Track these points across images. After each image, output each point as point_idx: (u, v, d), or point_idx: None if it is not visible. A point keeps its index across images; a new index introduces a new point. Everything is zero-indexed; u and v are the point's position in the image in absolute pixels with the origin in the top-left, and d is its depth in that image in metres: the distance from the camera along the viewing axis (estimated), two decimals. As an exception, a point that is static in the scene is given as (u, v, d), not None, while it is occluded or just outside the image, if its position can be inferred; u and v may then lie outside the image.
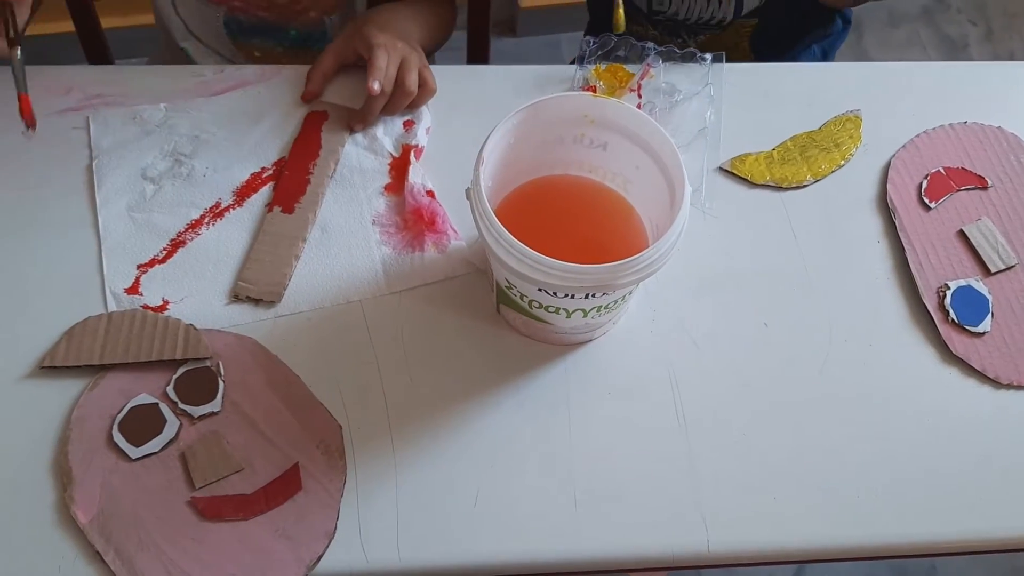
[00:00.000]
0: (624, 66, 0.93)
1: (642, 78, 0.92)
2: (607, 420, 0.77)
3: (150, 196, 0.85)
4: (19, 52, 0.78)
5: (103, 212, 0.84)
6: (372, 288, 0.82)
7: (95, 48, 1.21)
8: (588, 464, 0.75)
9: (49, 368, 0.75)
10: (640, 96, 0.92)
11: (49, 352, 0.76)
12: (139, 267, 0.81)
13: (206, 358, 0.76)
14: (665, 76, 0.94)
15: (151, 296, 0.80)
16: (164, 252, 0.82)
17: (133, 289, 0.80)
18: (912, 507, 0.75)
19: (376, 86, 0.86)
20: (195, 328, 0.78)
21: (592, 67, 0.93)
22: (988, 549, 0.76)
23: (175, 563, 0.68)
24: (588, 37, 0.94)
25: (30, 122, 0.79)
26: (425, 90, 0.90)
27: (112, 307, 0.79)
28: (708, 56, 0.94)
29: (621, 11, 0.88)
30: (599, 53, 0.94)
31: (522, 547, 0.71)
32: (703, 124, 0.92)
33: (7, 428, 0.73)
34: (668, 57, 0.94)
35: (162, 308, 0.79)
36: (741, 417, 0.78)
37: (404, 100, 0.89)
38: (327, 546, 0.70)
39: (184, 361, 0.76)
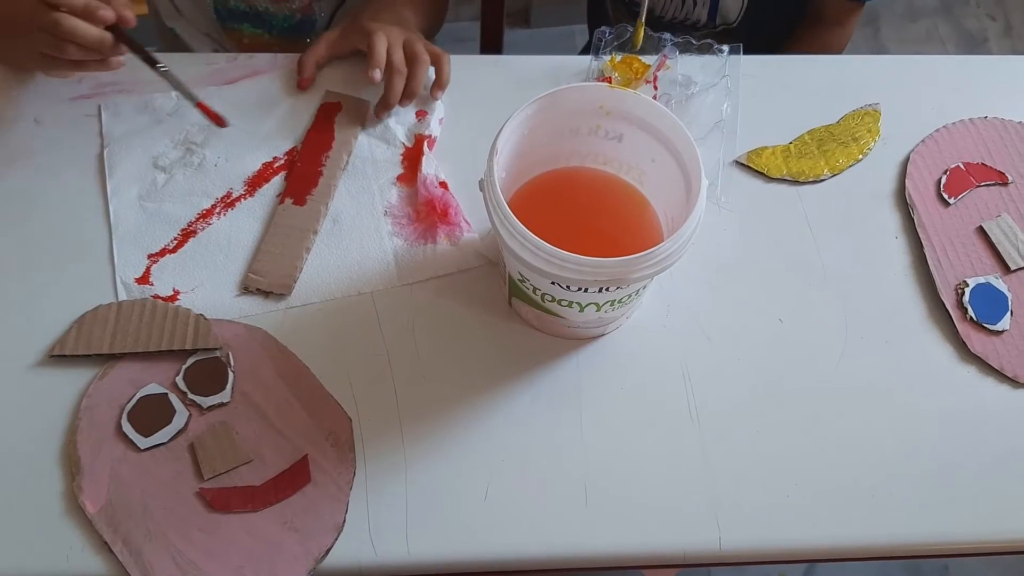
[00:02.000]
0: (640, 57, 0.92)
1: (658, 69, 0.90)
2: (619, 415, 0.76)
3: (161, 185, 0.85)
4: (164, 66, 0.82)
5: (114, 201, 0.84)
6: (383, 280, 0.81)
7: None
8: (599, 459, 0.74)
9: (58, 357, 0.75)
10: (656, 88, 0.90)
11: (59, 341, 0.76)
12: (150, 256, 0.81)
13: (216, 348, 0.76)
14: (681, 68, 0.93)
15: (162, 286, 0.79)
16: (175, 242, 0.82)
17: (144, 279, 0.80)
18: (927, 507, 0.74)
19: (377, 75, 0.86)
20: (205, 318, 0.77)
21: (607, 58, 0.92)
22: (1004, 551, 0.75)
23: (183, 554, 0.68)
24: (604, 28, 0.93)
25: (219, 122, 0.84)
26: (442, 58, 0.89)
27: (123, 296, 0.78)
28: (725, 48, 0.93)
29: (641, 31, 0.91)
30: (615, 44, 0.93)
31: (532, 542, 0.71)
32: (719, 117, 0.90)
33: (16, 416, 0.73)
34: (685, 48, 0.93)
35: (172, 298, 0.79)
36: (755, 414, 0.77)
37: (422, 70, 0.88)
38: (336, 539, 0.69)
39: (194, 351, 0.76)
